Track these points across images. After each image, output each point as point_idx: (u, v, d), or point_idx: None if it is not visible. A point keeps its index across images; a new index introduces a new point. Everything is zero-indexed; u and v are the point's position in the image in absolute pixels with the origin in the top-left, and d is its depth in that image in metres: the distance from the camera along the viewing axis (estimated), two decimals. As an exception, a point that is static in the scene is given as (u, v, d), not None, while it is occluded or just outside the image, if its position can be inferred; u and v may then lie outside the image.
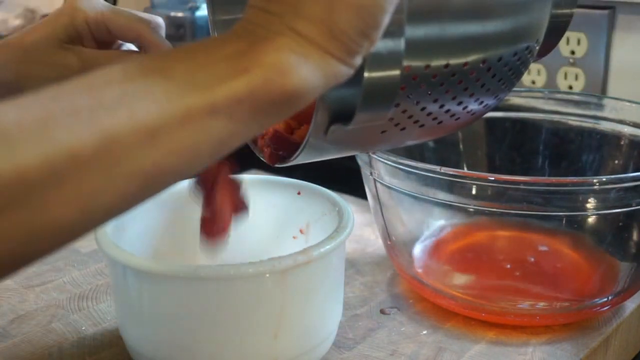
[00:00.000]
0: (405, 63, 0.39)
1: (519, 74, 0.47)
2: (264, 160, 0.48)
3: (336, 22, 0.33)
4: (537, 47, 0.47)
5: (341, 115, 0.39)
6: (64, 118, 0.29)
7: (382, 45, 0.37)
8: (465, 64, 0.42)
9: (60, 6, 0.53)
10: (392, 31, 0.37)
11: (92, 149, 0.29)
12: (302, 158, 0.43)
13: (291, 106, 0.34)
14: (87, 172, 0.29)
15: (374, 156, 0.59)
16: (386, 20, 0.35)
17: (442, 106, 0.43)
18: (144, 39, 0.51)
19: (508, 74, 0.45)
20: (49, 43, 0.51)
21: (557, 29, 0.49)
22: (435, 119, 0.44)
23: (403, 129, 0.43)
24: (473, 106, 0.45)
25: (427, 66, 0.40)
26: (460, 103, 0.44)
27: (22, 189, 0.28)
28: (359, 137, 0.42)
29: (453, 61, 0.41)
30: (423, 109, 0.42)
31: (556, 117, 0.75)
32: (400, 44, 0.38)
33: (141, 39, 0.51)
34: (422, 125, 0.44)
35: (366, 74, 0.37)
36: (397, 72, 0.39)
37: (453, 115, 0.45)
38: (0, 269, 0.29)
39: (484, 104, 0.46)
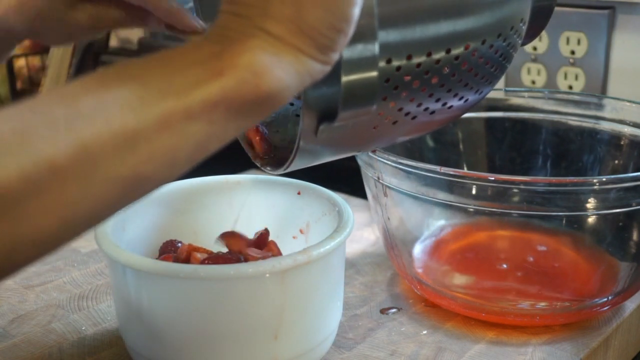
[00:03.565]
0: (387, 56, 0.39)
1: (508, 57, 0.47)
2: (259, 166, 0.48)
3: (305, 19, 0.34)
4: (524, 28, 0.47)
5: (327, 114, 0.39)
6: (41, 128, 0.29)
7: (355, 49, 0.37)
8: (449, 50, 0.42)
9: None
10: (365, 35, 0.37)
11: (70, 158, 0.29)
12: (296, 164, 0.43)
13: (267, 106, 0.34)
14: (66, 181, 0.29)
15: (374, 156, 0.59)
16: (356, 11, 0.35)
17: (431, 95, 0.43)
18: (152, 4, 0.50)
19: (495, 56, 0.45)
20: (58, 2, 0.51)
21: (542, 13, 0.49)
22: (426, 109, 0.44)
23: (395, 122, 0.43)
24: (463, 92, 0.45)
25: (410, 56, 0.40)
26: (449, 90, 0.44)
27: (3, 200, 0.28)
28: (351, 134, 0.42)
29: (435, 49, 0.41)
30: (412, 99, 0.42)
31: (556, 117, 0.75)
32: (374, 47, 0.38)
33: (149, 4, 0.50)
34: (414, 117, 0.44)
35: (343, 78, 0.37)
36: (374, 74, 0.39)
37: (445, 103, 0.44)
38: None
39: (474, 89, 0.46)
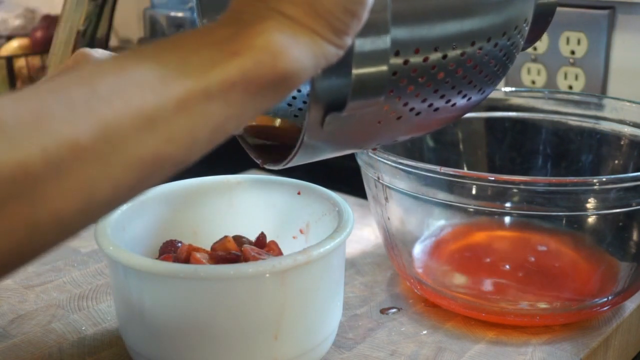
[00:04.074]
0: (395, 49, 0.39)
1: (511, 57, 0.47)
2: (257, 162, 0.48)
3: (320, 1, 0.34)
4: (527, 29, 0.47)
5: (335, 104, 0.40)
6: (61, 110, 0.29)
7: (368, 43, 0.37)
8: (455, 46, 0.42)
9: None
10: (378, 26, 0.37)
11: (90, 139, 0.29)
12: (297, 159, 0.43)
13: (284, 87, 0.34)
14: (86, 162, 0.29)
15: (374, 156, 0.59)
16: None
17: (436, 91, 0.43)
18: None
19: (499, 55, 0.45)
20: None
21: (543, 17, 0.50)
22: (431, 105, 0.44)
23: (399, 118, 0.43)
24: (467, 90, 0.45)
25: (417, 50, 0.40)
26: (454, 87, 0.44)
27: (23, 182, 0.28)
28: (355, 128, 0.42)
29: (442, 44, 0.41)
30: (417, 94, 0.42)
31: (556, 117, 0.75)
32: (386, 41, 0.38)
33: None
34: (418, 114, 0.44)
35: (354, 71, 0.38)
36: (384, 68, 0.39)
37: (449, 100, 0.45)
38: (3, 264, 0.29)
39: (478, 88, 0.46)
